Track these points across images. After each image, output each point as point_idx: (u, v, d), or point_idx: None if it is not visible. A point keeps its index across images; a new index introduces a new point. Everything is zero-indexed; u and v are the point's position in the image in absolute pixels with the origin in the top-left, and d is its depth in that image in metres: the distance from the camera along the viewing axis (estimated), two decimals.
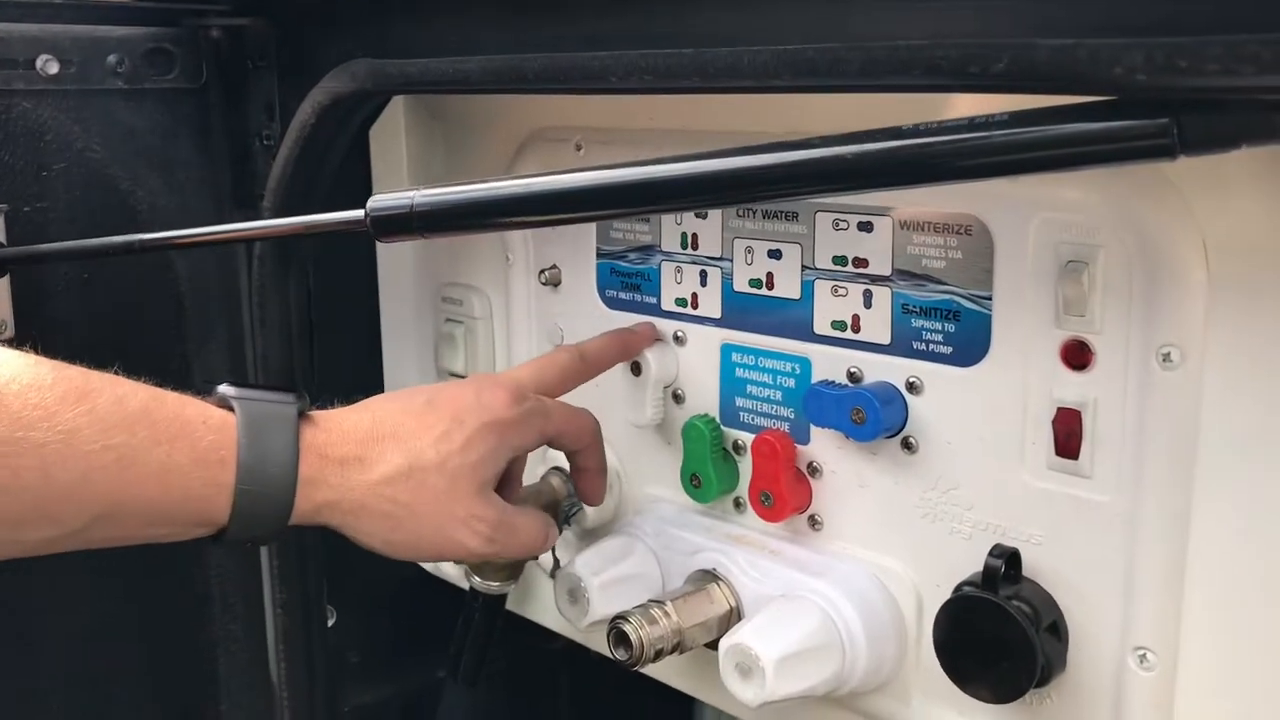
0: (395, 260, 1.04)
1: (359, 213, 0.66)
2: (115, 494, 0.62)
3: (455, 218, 0.64)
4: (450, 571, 1.03)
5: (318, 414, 0.72)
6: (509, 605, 1.02)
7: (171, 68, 0.92)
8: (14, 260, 0.82)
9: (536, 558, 0.93)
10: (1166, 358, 0.60)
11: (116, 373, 0.65)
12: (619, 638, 0.74)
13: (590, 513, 0.91)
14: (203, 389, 0.69)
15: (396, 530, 0.71)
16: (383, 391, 1.06)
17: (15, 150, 0.85)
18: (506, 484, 0.79)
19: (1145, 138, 0.47)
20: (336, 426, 0.71)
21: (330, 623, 1.06)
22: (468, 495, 0.72)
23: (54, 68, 0.86)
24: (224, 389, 0.69)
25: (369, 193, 0.70)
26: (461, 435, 0.72)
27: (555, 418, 0.78)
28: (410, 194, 0.66)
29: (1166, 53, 0.44)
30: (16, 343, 0.86)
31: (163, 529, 0.66)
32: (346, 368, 1.04)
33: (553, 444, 0.80)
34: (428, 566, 1.07)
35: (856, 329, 0.74)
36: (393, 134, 0.98)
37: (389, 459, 0.70)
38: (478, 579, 0.93)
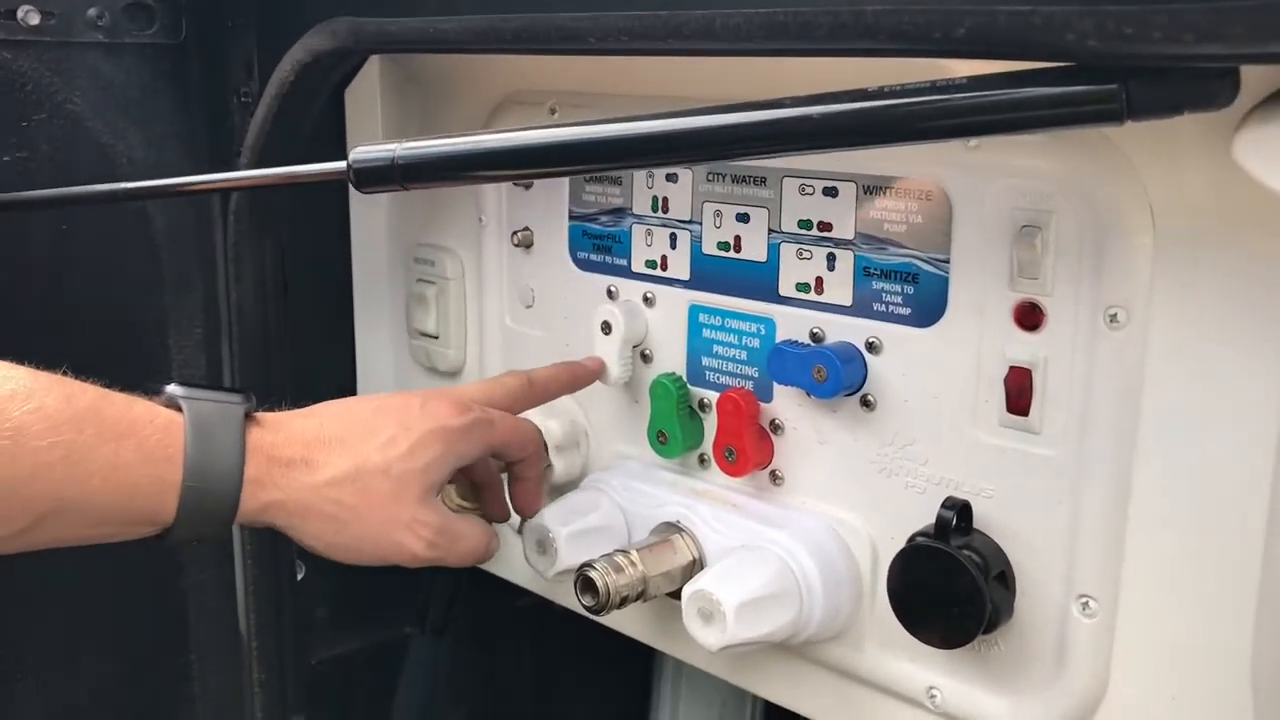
0: (368, 220, 1.06)
1: (341, 164, 0.68)
2: (62, 491, 0.63)
3: (436, 169, 0.66)
4: None
5: (265, 416, 0.74)
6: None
7: (151, 22, 0.93)
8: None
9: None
10: (1113, 318, 0.63)
11: (64, 374, 0.66)
12: (585, 584, 0.77)
13: (558, 469, 0.93)
14: (150, 390, 0.70)
15: (340, 532, 0.72)
16: (354, 349, 1.08)
17: None
18: (489, 490, 0.84)
19: (1096, 102, 0.50)
20: (284, 429, 0.73)
21: (299, 576, 1.07)
22: (412, 500, 0.73)
23: (35, 19, 0.87)
24: (172, 389, 0.70)
25: (343, 154, 0.72)
26: (407, 441, 0.74)
27: (499, 428, 0.79)
28: (392, 146, 0.68)
29: (1115, 20, 0.46)
30: None
31: (109, 527, 0.67)
32: (319, 325, 1.06)
33: (497, 454, 0.81)
34: None
35: (820, 291, 0.76)
36: (368, 95, 1.00)
37: (335, 462, 0.72)
38: None
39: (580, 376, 0.87)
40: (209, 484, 0.67)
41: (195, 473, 0.67)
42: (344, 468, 0.72)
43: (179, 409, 0.69)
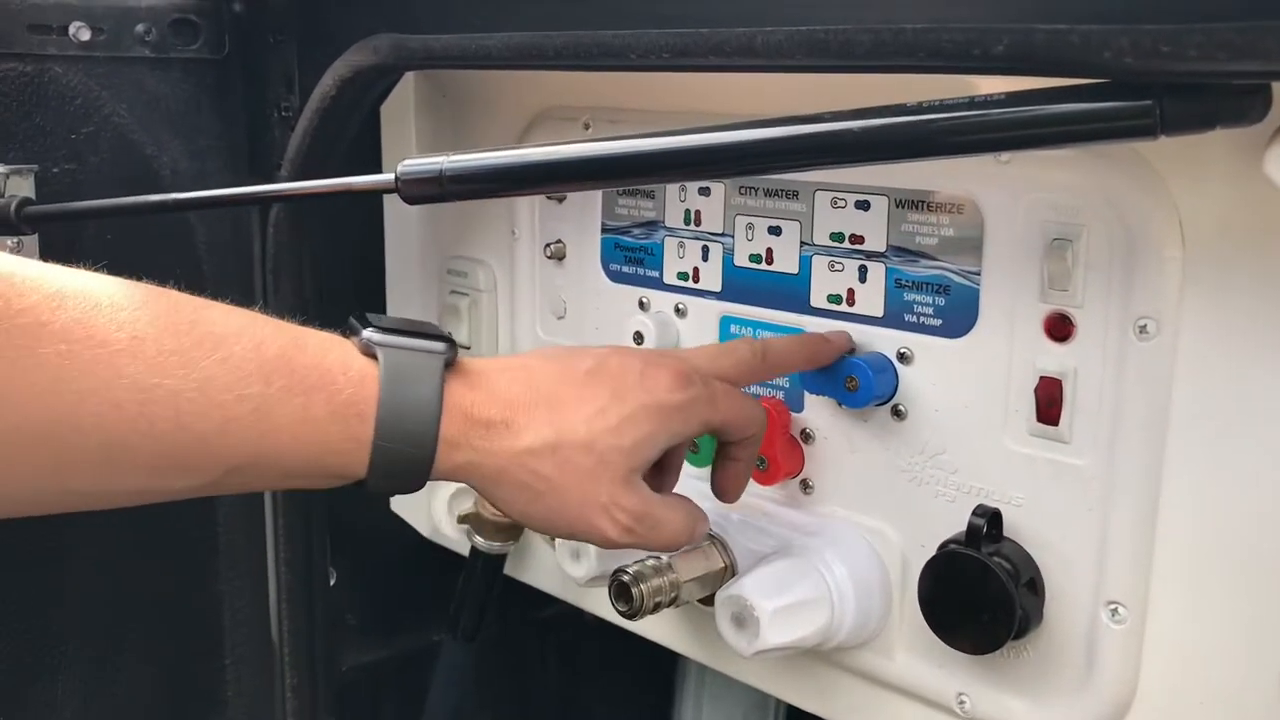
0: (402, 232, 1.07)
1: (389, 176, 0.70)
2: (250, 445, 0.60)
3: (483, 181, 0.67)
4: (450, 536, 1.07)
5: (469, 365, 0.68)
6: (505, 570, 1.06)
7: (196, 38, 0.95)
8: (46, 217, 0.85)
9: None
10: (1143, 329, 0.65)
11: (263, 310, 0.63)
12: (620, 590, 0.78)
13: None
14: (349, 327, 0.66)
15: (534, 503, 0.68)
16: None
17: (47, 113, 0.89)
18: (663, 471, 0.76)
19: (1131, 118, 0.52)
20: (487, 385, 0.67)
21: (331, 583, 1.09)
22: (613, 480, 0.68)
23: (86, 34, 0.89)
24: (369, 334, 0.65)
25: (378, 168, 0.73)
26: (618, 414, 0.68)
27: (721, 406, 0.73)
28: (439, 159, 0.69)
29: (1151, 39, 0.48)
30: None
31: (301, 480, 0.64)
32: None
33: (715, 433, 0.76)
34: (425, 531, 1.10)
35: (851, 302, 0.78)
36: (403, 111, 1.02)
37: (537, 429, 0.67)
38: (479, 539, 0.97)
39: (822, 353, 0.77)
40: (402, 443, 0.63)
41: (388, 432, 0.63)
42: (545, 436, 0.67)
43: (374, 356, 0.64)
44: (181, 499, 0.62)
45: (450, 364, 0.66)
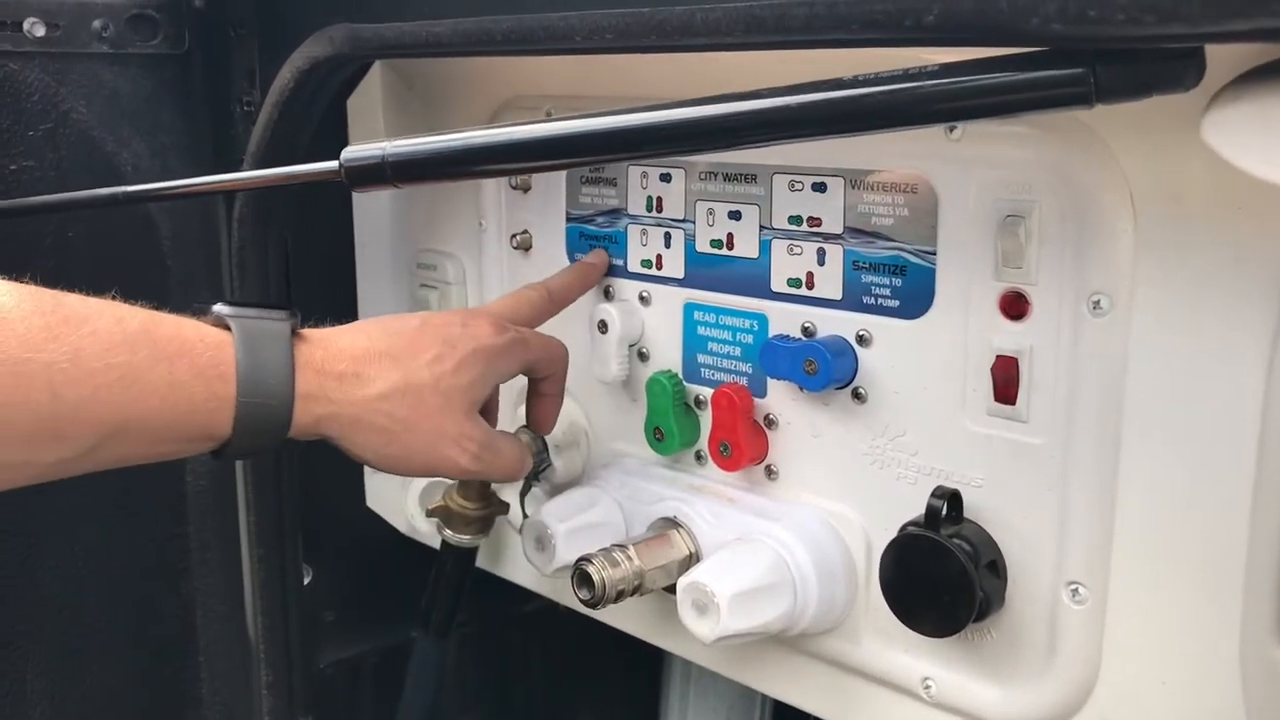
0: (371, 226, 1.07)
1: (333, 164, 0.70)
2: (122, 410, 0.64)
3: (426, 166, 0.67)
4: (423, 530, 1.06)
5: (310, 332, 0.75)
6: (482, 564, 1.05)
7: (155, 33, 0.95)
8: (1, 213, 0.85)
9: (510, 511, 0.96)
10: (1096, 305, 0.64)
11: (114, 298, 0.67)
12: (582, 578, 0.77)
13: (559, 469, 0.94)
14: (198, 309, 0.71)
15: (390, 444, 0.74)
16: None
17: (2, 110, 0.88)
18: (487, 413, 0.83)
19: (1065, 85, 0.51)
20: (332, 344, 0.74)
21: (306, 581, 1.08)
22: (459, 415, 0.76)
23: (41, 30, 0.89)
24: (219, 308, 0.71)
25: None
26: (453, 359, 0.76)
27: (533, 346, 0.83)
28: (383, 145, 0.69)
29: (1078, 4, 0.47)
30: None
31: (169, 445, 0.69)
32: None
33: (528, 371, 0.84)
34: (402, 528, 1.10)
35: (810, 286, 0.77)
36: (370, 104, 1.01)
37: (385, 376, 0.74)
38: (449, 532, 0.97)
39: (589, 275, 0.89)
40: (263, 399, 0.69)
41: (249, 388, 0.68)
42: (394, 381, 0.74)
43: (227, 327, 0.70)
44: (55, 477, 0.65)
45: (295, 331, 0.73)
